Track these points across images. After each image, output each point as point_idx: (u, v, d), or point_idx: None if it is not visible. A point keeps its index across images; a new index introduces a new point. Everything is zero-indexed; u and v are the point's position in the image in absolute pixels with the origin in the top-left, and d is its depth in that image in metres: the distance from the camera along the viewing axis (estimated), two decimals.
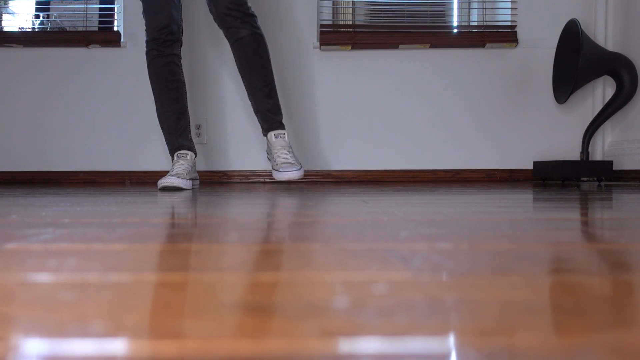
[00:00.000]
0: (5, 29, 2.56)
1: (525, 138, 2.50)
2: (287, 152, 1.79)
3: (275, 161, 1.79)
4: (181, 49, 1.83)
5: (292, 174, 1.74)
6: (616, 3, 2.42)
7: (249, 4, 1.77)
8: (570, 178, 2.17)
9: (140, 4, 1.76)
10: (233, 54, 1.81)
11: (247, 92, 1.83)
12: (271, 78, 1.82)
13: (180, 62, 1.82)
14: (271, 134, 1.82)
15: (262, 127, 1.86)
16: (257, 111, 1.83)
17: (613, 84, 2.34)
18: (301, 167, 1.78)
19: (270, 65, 1.81)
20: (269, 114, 1.82)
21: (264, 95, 1.80)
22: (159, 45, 1.75)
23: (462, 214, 0.81)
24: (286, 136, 1.83)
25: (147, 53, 1.78)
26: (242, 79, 1.82)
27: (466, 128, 2.50)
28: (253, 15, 1.77)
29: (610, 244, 0.52)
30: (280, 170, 1.76)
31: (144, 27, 1.77)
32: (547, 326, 0.26)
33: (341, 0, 2.58)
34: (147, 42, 1.77)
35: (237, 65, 1.82)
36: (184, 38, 1.86)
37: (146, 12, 1.75)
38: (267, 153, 1.87)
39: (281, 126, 1.84)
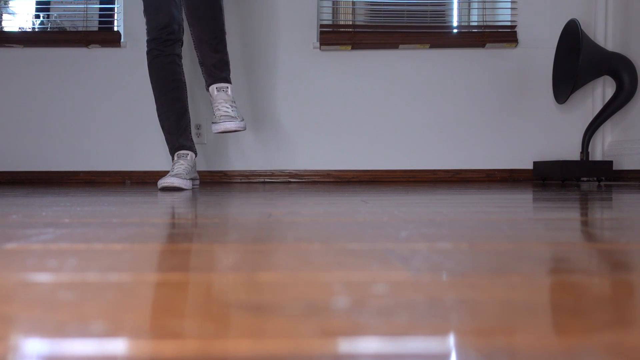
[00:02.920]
0: (5, 29, 2.56)
1: (525, 138, 2.50)
2: (229, 106, 1.73)
3: (214, 114, 1.74)
4: (182, 48, 1.83)
5: (230, 125, 1.69)
6: (616, 3, 2.42)
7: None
8: (570, 178, 2.17)
9: (141, 3, 1.75)
10: (182, 2, 1.71)
11: (194, 43, 1.74)
12: (220, 31, 1.71)
13: (181, 61, 1.82)
14: (213, 87, 1.75)
15: (205, 81, 1.78)
16: (202, 64, 1.75)
17: (613, 84, 2.34)
18: (242, 120, 1.73)
19: (221, 17, 1.71)
20: (214, 69, 1.73)
21: (210, 49, 1.71)
22: (160, 45, 1.74)
23: (462, 214, 0.81)
24: (229, 90, 1.75)
25: (147, 53, 1.77)
26: (190, 28, 1.72)
27: (466, 128, 2.50)
28: None
29: (610, 244, 0.52)
30: (219, 121, 1.71)
31: (145, 27, 1.77)
32: (547, 326, 0.26)
33: (341, 0, 2.58)
34: (147, 41, 1.76)
35: (185, 14, 1.72)
36: (185, 37, 1.86)
37: (147, 12, 1.74)
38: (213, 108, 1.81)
39: (225, 81, 1.75)
